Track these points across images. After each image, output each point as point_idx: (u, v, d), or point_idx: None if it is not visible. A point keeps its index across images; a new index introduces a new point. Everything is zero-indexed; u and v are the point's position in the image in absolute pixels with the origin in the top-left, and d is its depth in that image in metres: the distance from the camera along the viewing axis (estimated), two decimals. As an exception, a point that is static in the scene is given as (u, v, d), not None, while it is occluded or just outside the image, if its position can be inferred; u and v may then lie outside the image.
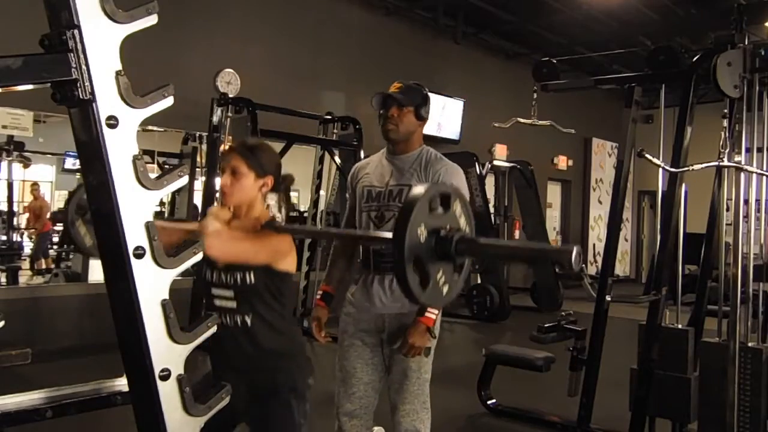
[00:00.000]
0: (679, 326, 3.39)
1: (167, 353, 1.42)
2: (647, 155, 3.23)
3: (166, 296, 1.42)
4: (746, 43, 3.14)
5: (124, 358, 1.46)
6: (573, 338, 3.96)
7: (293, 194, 12.10)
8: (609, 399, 3.82)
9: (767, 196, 3.27)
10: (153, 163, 7.90)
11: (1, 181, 7.52)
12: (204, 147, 6.98)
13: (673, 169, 3.37)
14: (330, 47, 7.90)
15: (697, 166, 3.25)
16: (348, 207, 2.59)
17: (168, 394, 1.44)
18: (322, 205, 7.42)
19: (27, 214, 8.49)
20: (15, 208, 7.83)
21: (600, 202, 12.68)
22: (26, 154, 7.45)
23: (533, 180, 8.92)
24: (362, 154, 6.72)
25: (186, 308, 5.20)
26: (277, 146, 6.44)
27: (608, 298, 3.65)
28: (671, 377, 3.27)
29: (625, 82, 3.80)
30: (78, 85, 1.28)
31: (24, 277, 7.64)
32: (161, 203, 7.90)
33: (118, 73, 1.33)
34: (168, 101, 1.40)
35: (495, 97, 10.15)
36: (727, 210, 3.30)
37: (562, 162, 11.93)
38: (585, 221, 12.59)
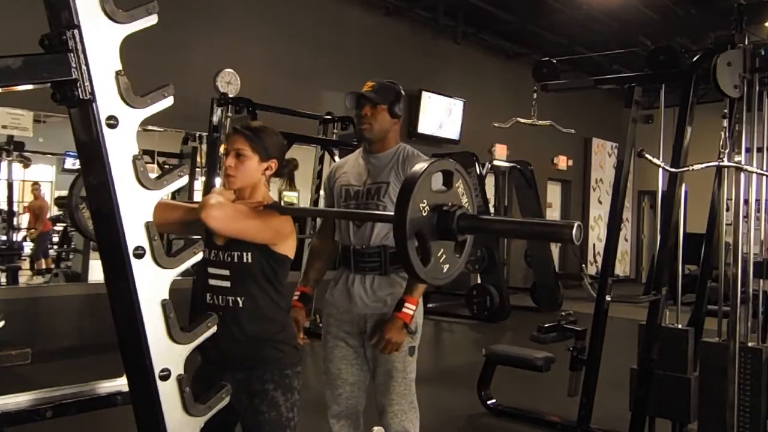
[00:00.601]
0: (679, 326, 3.39)
1: (167, 353, 1.42)
2: (647, 155, 3.23)
3: (166, 296, 1.42)
4: (746, 43, 3.14)
5: (124, 358, 1.46)
6: (573, 338, 3.96)
7: (293, 194, 12.10)
8: (609, 399, 3.82)
9: (767, 196, 3.27)
10: (153, 163, 7.90)
11: (1, 181, 7.52)
12: (204, 147, 6.98)
13: (673, 169, 3.37)
14: (330, 47, 7.90)
15: (697, 166, 3.25)
16: (325, 207, 2.60)
17: (168, 394, 1.44)
18: (321, 205, 7.40)
19: (27, 214, 8.50)
20: (15, 208, 7.83)
21: (600, 202, 12.68)
22: (26, 154, 7.45)
23: (533, 180, 8.92)
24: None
25: (186, 308, 5.20)
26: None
27: (608, 298, 3.65)
28: (671, 377, 3.27)
29: (625, 82, 3.80)
30: (78, 85, 1.28)
31: (24, 277, 7.64)
32: (161, 203, 7.89)
33: (118, 73, 1.33)
34: (168, 101, 1.40)
35: (495, 97, 10.15)
36: (727, 210, 3.30)
37: (562, 162, 11.93)
38: (585, 221, 12.58)
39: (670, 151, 3.45)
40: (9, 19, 5.08)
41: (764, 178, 3.27)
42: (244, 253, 1.81)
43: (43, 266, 8.11)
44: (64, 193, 8.80)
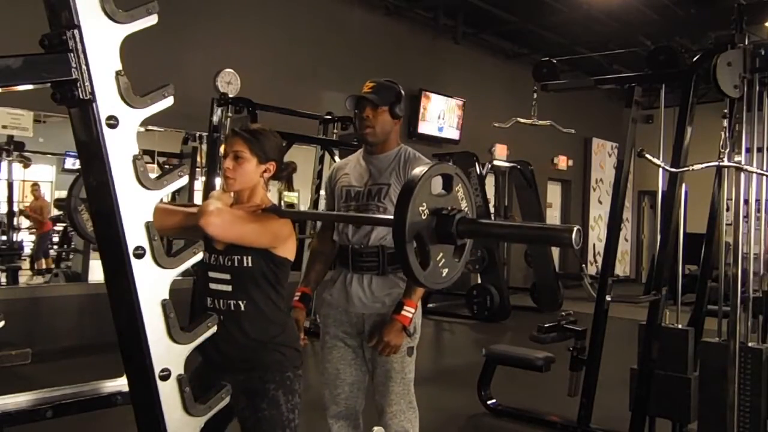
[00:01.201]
0: (679, 326, 3.39)
1: (167, 353, 1.42)
2: (647, 155, 3.23)
3: (166, 296, 1.42)
4: (746, 43, 3.14)
5: (124, 358, 1.46)
6: (573, 338, 3.96)
7: (293, 194, 12.10)
8: (609, 399, 3.82)
9: (767, 196, 3.27)
10: (153, 163, 7.90)
11: (1, 181, 7.52)
12: (204, 147, 6.98)
13: (673, 169, 3.37)
14: (330, 47, 7.90)
15: (697, 166, 3.25)
16: (326, 208, 2.59)
17: (168, 394, 1.44)
18: (322, 205, 7.41)
19: (27, 214, 8.49)
20: (15, 208, 7.83)
21: (600, 202, 12.68)
22: (26, 154, 7.45)
23: (533, 180, 8.92)
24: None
25: (186, 308, 5.20)
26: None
27: (608, 298, 3.65)
28: (671, 377, 3.27)
29: (625, 82, 3.80)
30: (78, 85, 1.28)
31: (24, 277, 7.64)
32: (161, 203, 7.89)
33: (118, 73, 1.33)
34: (168, 101, 1.40)
35: (495, 97, 10.15)
36: (727, 210, 3.30)
37: (562, 162, 11.93)
38: (585, 221, 12.58)
39: (670, 151, 3.45)
40: (9, 19, 5.08)
41: (764, 178, 3.27)
42: (245, 257, 1.81)
43: (43, 266, 8.10)
44: (64, 193, 8.81)
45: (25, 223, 8.42)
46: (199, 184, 7.52)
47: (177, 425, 1.46)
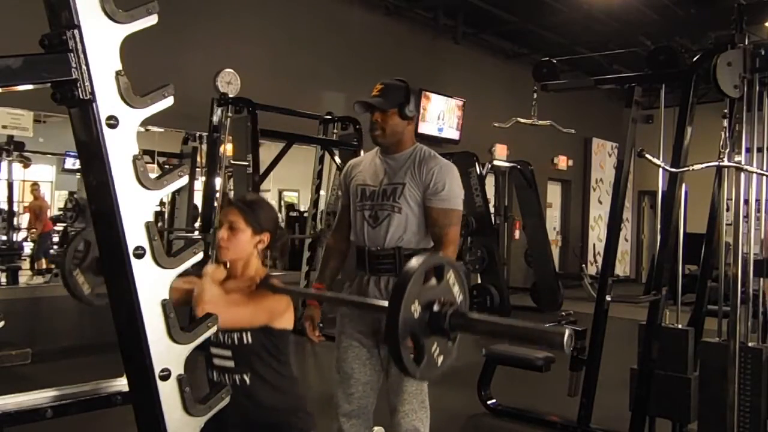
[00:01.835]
0: (679, 326, 3.39)
1: (167, 353, 1.42)
2: (647, 155, 3.23)
3: (166, 296, 1.41)
4: (746, 43, 3.14)
5: (124, 358, 1.46)
6: (573, 338, 3.96)
7: (293, 194, 12.10)
8: (609, 399, 3.82)
9: (767, 196, 3.27)
10: (153, 163, 7.90)
11: (1, 181, 7.52)
12: (204, 147, 6.98)
13: (673, 169, 3.37)
14: (330, 47, 7.90)
15: (697, 166, 3.25)
16: (341, 205, 2.60)
17: (168, 394, 1.43)
18: (322, 205, 7.43)
19: (27, 214, 8.50)
20: (15, 208, 7.84)
21: (600, 202, 12.68)
22: (26, 154, 7.46)
23: (533, 180, 8.92)
24: (362, 154, 6.72)
25: (186, 308, 5.20)
26: (277, 146, 6.47)
27: (608, 298, 3.65)
28: (671, 377, 3.27)
29: (625, 82, 3.80)
30: (78, 85, 1.28)
31: (24, 277, 7.65)
32: (161, 203, 7.91)
33: (118, 73, 1.32)
34: (168, 101, 1.40)
35: (495, 97, 10.15)
36: (727, 210, 3.30)
37: (562, 162, 11.93)
38: (585, 221, 12.59)
39: (670, 151, 3.45)
40: (9, 19, 5.08)
41: (764, 178, 3.27)
42: (244, 335, 1.83)
43: (44, 266, 8.11)
44: (65, 193, 8.83)
45: (25, 223, 8.43)
46: (199, 184, 7.53)
47: (177, 425, 1.46)
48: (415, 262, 1.26)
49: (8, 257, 7.32)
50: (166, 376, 1.42)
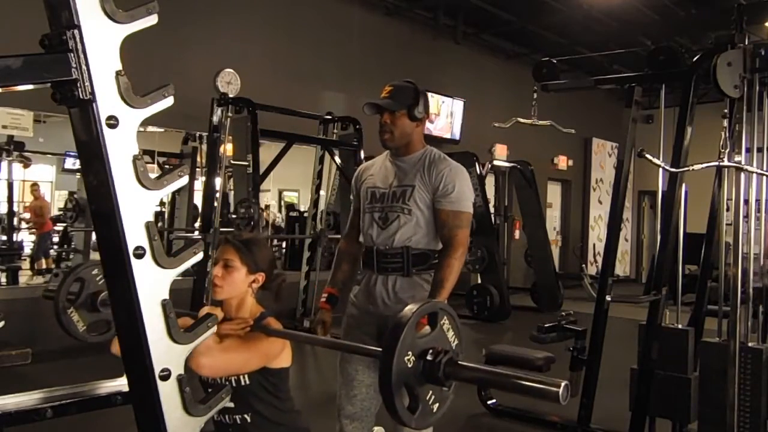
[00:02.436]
0: (679, 326, 3.39)
1: (167, 353, 1.42)
2: (647, 155, 3.23)
3: (166, 296, 1.41)
4: (746, 43, 3.13)
5: (124, 358, 1.46)
6: (573, 338, 3.96)
7: (293, 194, 12.10)
8: (609, 399, 3.82)
9: (767, 196, 3.27)
10: (153, 163, 7.90)
11: (1, 181, 7.52)
12: (204, 147, 6.98)
13: (673, 169, 3.37)
14: (330, 47, 7.91)
15: (697, 166, 3.25)
16: (352, 209, 2.59)
17: (168, 394, 1.43)
18: (322, 205, 7.43)
19: (28, 214, 8.50)
20: (15, 208, 7.83)
21: (600, 202, 12.68)
22: (26, 154, 7.45)
23: (533, 180, 8.92)
24: (362, 154, 6.73)
25: (186, 308, 5.20)
26: (277, 146, 6.47)
27: (608, 298, 3.65)
28: (671, 377, 3.27)
29: (625, 82, 3.80)
30: (78, 85, 1.28)
31: (24, 277, 7.64)
32: (161, 203, 7.91)
33: (118, 73, 1.33)
34: (168, 101, 1.40)
35: (495, 97, 10.15)
36: (727, 210, 3.30)
37: (562, 162, 11.93)
38: (585, 221, 12.59)
39: (670, 151, 3.45)
40: (9, 19, 5.08)
41: (764, 178, 3.26)
42: (241, 377, 1.83)
43: (44, 266, 8.11)
44: (65, 193, 8.82)
45: (25, 223, 8.42)
46: (199, 184, 7.53)
47: (177, 425, 1.46)
48: (408, 310, 1.24)
49: (8, 257, 7.32)
50: (166, 376, 1.42)
